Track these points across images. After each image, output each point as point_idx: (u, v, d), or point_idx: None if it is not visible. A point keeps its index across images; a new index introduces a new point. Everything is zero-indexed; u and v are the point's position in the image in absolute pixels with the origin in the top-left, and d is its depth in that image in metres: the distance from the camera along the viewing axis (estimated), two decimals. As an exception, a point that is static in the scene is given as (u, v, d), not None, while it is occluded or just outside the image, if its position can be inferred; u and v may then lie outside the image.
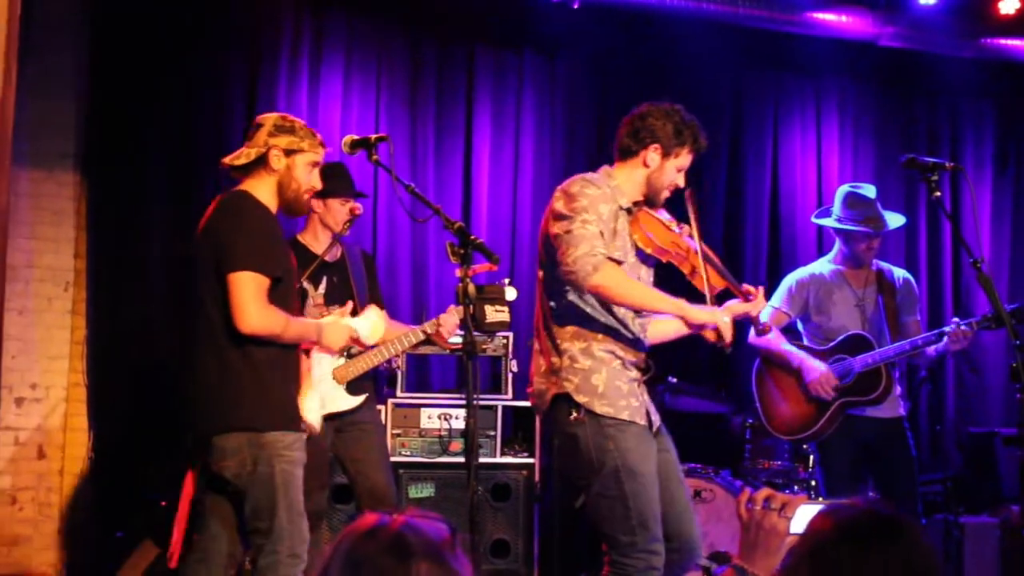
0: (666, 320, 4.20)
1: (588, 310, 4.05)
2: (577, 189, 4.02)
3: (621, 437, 3.95)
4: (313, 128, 4.20)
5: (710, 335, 3.98)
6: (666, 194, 4.21)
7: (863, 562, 1.90)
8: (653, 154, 4.12)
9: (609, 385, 3.99)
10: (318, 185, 4.18)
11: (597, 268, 3.85)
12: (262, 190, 4.07)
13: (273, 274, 3.94)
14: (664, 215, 4.24)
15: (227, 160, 4.11)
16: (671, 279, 4.27)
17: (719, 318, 3.94)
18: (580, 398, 3.96)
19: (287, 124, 4.09)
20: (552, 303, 4.08)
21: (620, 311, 4.08)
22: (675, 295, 4.05)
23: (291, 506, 3.95)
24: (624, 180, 4.17)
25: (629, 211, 4.14)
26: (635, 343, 4.13)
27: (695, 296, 4.08)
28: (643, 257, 4.19)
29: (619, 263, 4.00)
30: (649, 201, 4.20)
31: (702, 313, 3.95)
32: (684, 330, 4.15)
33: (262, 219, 4.00)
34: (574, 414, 3.97)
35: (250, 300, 3.86)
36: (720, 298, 4.17)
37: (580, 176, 4.12)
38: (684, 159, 4.17)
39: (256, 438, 3.92)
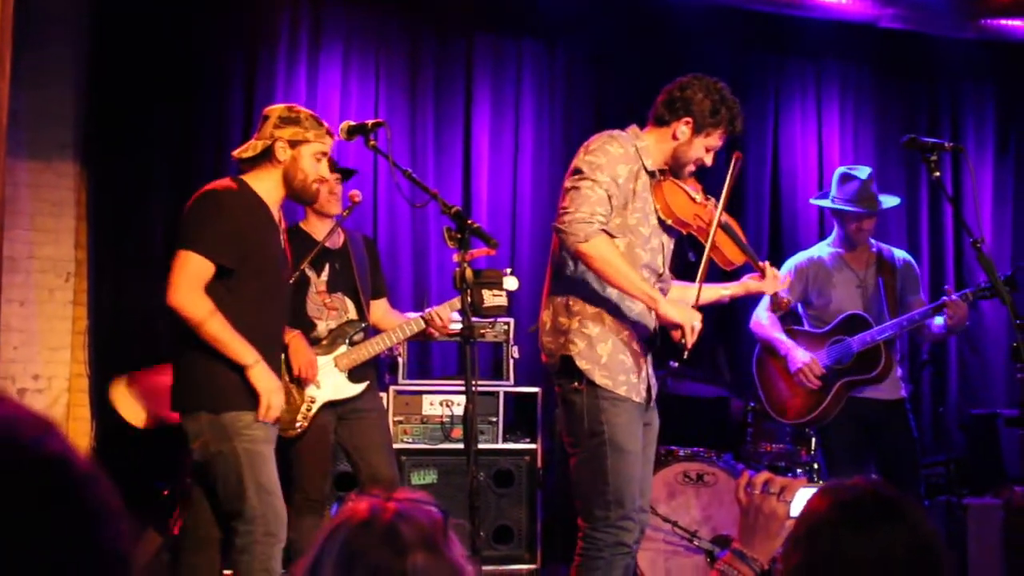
0: (694, 289, 4.14)
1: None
2: (598, 145, 3.99)
3: (613, 411, 3.98)
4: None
5: (676, 334, 3.95)
6: (691, 169, 4.18)
7: (862, 542, 1.89)
8: (684, 127, 4.08)
9: (613, 357, 3.99)
10: (327, 175, 4.20)
11: (588, 238, 3.85)
12: (264, 181, 4.09)
13: (219, 261, 3.92)
14: (691, 186, 4.21)
15: (236, 152, 4.15)
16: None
17: (689, 321, 3.89)
18: (582, 364, 3.97)
19: (292, 115, 4.10)
20: (571, 261, 4.04)
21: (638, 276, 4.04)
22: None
23: (260, 485, 3.94)
24: (652, 144, 4.13)
25: (653, 175, 4.11)
26: (647, 313, 4.09)
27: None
28: (664, 226, 4.16)
29: (613, 236, 3.96)
30: (672, 172, 4.18)
31: (676, 313, 3.92)
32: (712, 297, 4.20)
33: (230, 207, 4.00)
34: (575, 383, 3.99)
35: (182, 278, 3.88)
36: (739, 272, 4.23)
37: (607, 132, 4.08)
38: (715, 139, 4.13)
39: (215, 419, 3.94)
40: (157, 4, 6.45)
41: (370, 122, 3.97)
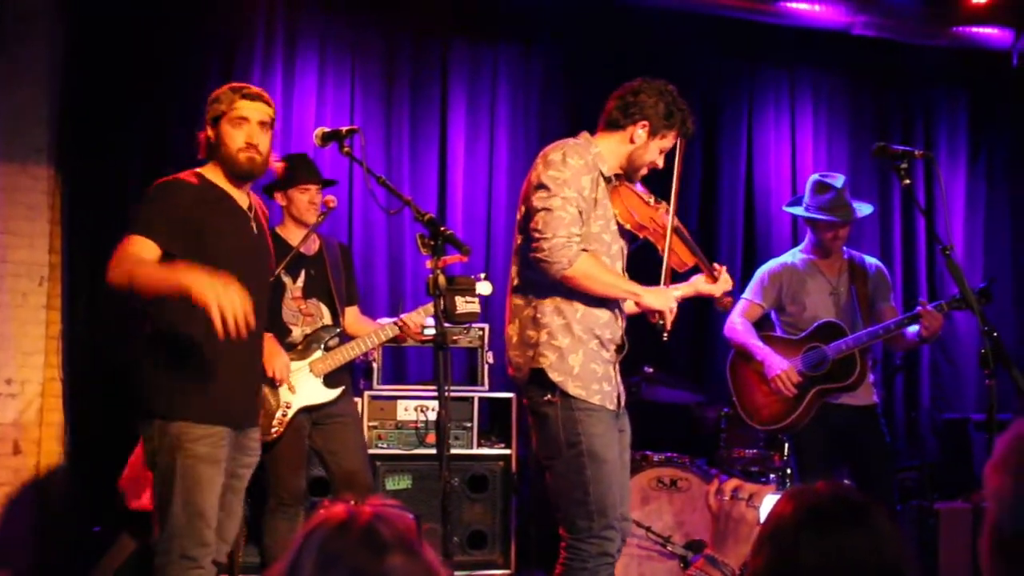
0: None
1: (570, 287, 4.01)
2: (559, 157, 3.97)
3: (589, 422, 3.96)
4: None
5: (654, 318, 4.05)
6: (644, 172, 4.21)
7: (825, 546, 1.91)
8: (640, 131, 4.10)
9: (584, 367, 3.98)
10: (255, 139, 3.96)
11: (572, 262, 3.85)
12: (213, 169, 4.02)
13: (162, 244, 3.78)
14: (641, 189, 4.24)
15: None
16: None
17: (667, 305, 4.00)
18: (555, 376, 3.95)
19: (212, 96, 4.03)
20: (532, 274, 4.02)
21: None
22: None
23: (188, 503, 3.76)
24: (606, 150, 4.13)
25: (609, 180, 4.12)
26: (614, 320, 4.12)
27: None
28: (622, 231, 4.18)
29: (586, 251, 3.97)
30: (626, 175, 4.20)
31: (654, 299, 4.00)
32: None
33: (177, 194, 3.89)
34: (548, 395, 3.97)
35: (116, 257, 3.74)
36: (688, 274, 4.28)
37: (562, 143, 4.07)
38: (669, 141, 4.16)
39: (164, 426, 3.80)
40: (132, 8, 6.43)
41: (344, 129, 3.93)
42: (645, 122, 4.09)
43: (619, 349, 4.17)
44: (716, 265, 4.31)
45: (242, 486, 4.08)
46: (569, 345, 3.98)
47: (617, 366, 4.17)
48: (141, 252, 3.76)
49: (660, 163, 4.19)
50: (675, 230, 4.17)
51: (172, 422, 3.79)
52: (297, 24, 6.90)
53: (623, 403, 4.18)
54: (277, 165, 4.13)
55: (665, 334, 4.02)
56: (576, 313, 4.00)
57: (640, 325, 4.23)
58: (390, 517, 1.69)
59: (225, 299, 3.50)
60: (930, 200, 7.96)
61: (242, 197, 4.05)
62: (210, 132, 3.99)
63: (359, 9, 7.08)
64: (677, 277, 4.40)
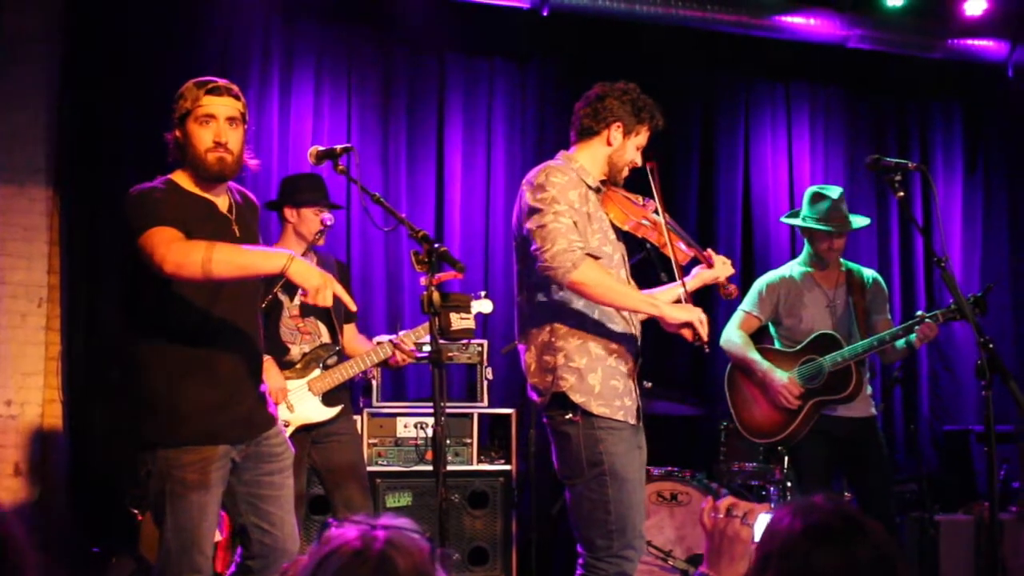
0: (677, 288, 4.20)
1: (581, 304, 4.00)
2: (543, 179, 3.99)
3: (611, 440, 3.95)
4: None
5: (687, 334, 3.93)
6: (626, 172, 4.23)
7: (830, 557, 1.94)
8: (616, 132, 4.15)
9: (605, 385, 3.97)
10: (223, 137, 3.72)
11: (576, 265, 3.84)
12: (183, 174, 3.77)
13: (180, 228, 3.54)
14: (626, 192, 4.27)
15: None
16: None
17: (695, 316, 3.91)
18: (577, 398, 3.94)
19: (178, 92, 3.78)
20: (543, 298, 4.04)
21: None
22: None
23: (179, 530, 3.65)
24: (586, 160, 4.17)
25: (598, 190, 4.15)
26: (628, 333, 4.11)
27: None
28: (620, 236, 4.20)
29: (596, 258, 3.98)
30: (611, 180, 4.22)
31: (680, 312, 3.94)
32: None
33: (157, 197, 3.65)
34: (570, 415, 3.95)
35: (160, 247, 3.48)
36: (688, 268, 4.25)
37: (543, 165, 4.09)
38: (643, 137, 4.20)
39: (154, 452, 3.67)
40: (128, 27, 6.45)
41: (338, 147, 3.84)
42: (618, 123, 4.14)
43: (636, 361, 4.15)
44: (709, 251, 4.30)
45: (281, 494, 3.89)
46: (587, 365, 3.97)
47: (636, 376, 4.15)
48: (174, 235, 3.51)
49: (638, 160, 4.22)
50: (668, 225, 4.17)
51: (161, 449, 3.65)
52: (294, 40, 6.93)
53: (641, 416, 4.16)
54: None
55: (705, 346, 3.94)
56: (591, 330, 4.00)
57: (647, 337, 4.21)
58: (404, 545, 1.68)
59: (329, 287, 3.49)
60: (927, 211, 7.99)
61: (220, 199, 3.82)
62: (177, 132, 3.75)
63: (355, 25, 7.10)
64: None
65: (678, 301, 4.12)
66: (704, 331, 3.92)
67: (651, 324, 4.12)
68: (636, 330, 4.15)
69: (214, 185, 3.78)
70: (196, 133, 3.70)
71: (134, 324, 3.71)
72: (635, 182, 4.32)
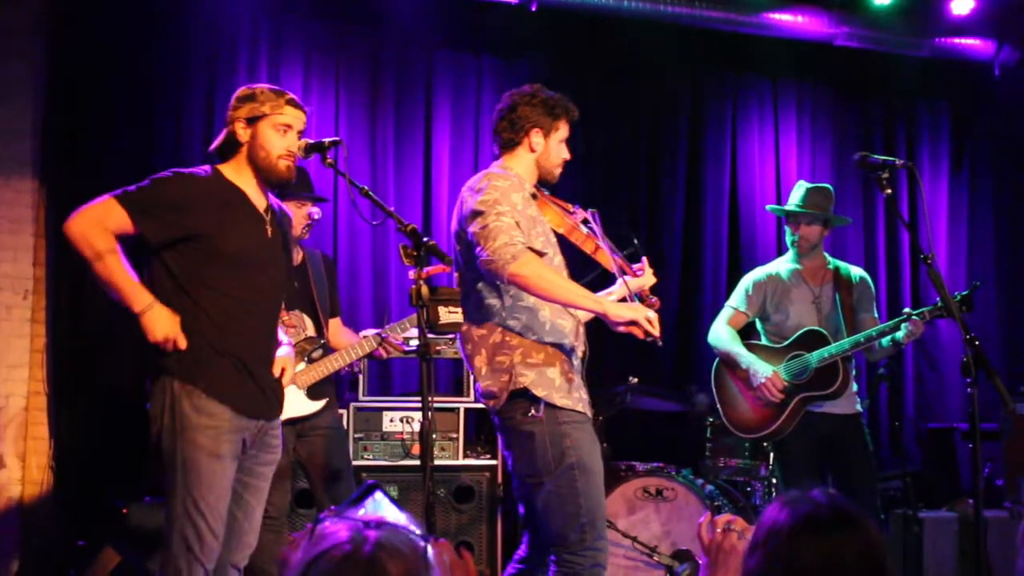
0: (618, 287, 4.25)
1: (530, 302, 4.02)
2: (485, 184, 4.04)
3: (576, 434, 3.98)
4: None
5: (637, 331, 3.80)
6: (559, 170, 4.30)
7: (817, 549, 1.95)
8: (536, 137, 4.22)
9: (563, 378, 4.01)
10: (294, 147, 3.91)
11: (516, 257, 3.85)
12: (237, 168, 3.92)
13: (139, 222, 3.73)
14: (556, 200, 4.33)
15: (212, 147, 4.00)
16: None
17: (641, 314, 3.80)
18: (539, 392, 3.95)
19: (248, 92, 3.93)
20: (492, 300, 4.05)
21: None
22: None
23: (189, 495, 3.72)
24: (519, 169, 4.23)
25: (534, 196, 4.21)
26: (576, 328, 4.17)
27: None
28: (559, 239, 4.25)
29: (541, 254, 4.01)
30: (546, 183, 4.30)
31: (625, 311, 3.84)
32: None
33: (184, 184, 3.82)
34: (532, 412, 3.96)
35: (89, 210, 3.73)
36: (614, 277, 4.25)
37: (483, 172, 4.16)
38: (563, 131, 4.28)
39: (171, 384, 3.77)
40: (115, 20, 6.43)
41: (327, 140, 3.90)
42: (535, 127, 4.22)
43: (583, 361, 4.19)
44: (638, 265, 4.32)
45: (262, 486, 3.99)
46: (544, 360, 4.00)
47: (584, 375, 4.19)
48: (114, 219, 3.72)
49: (567, 154, 4.29)
50: (598, 234, 4.23)
51: (179, 381, 3.73)
52: (281, 33, 6.91)
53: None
54: None
55: (659, 341, 3.84)
56: (544, 326, 4.04)
57: (621, 333, 4.21)
58: (395, 547, 1.65)
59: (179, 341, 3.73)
60: (913, 209, 8.01)
61: (259, 199, 3.96)
62: (242, 129, 3.89)
63: (343, 19, 7.09)
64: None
65: (623, 300, 4.08)
66: (654, 328, 3.80)
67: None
68: (581, 328, 4.21)
69: (266, 187, 3.97)
70: (272, 138, 3.88)
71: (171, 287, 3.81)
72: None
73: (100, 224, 3.70)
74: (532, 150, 4.22)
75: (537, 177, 4.26)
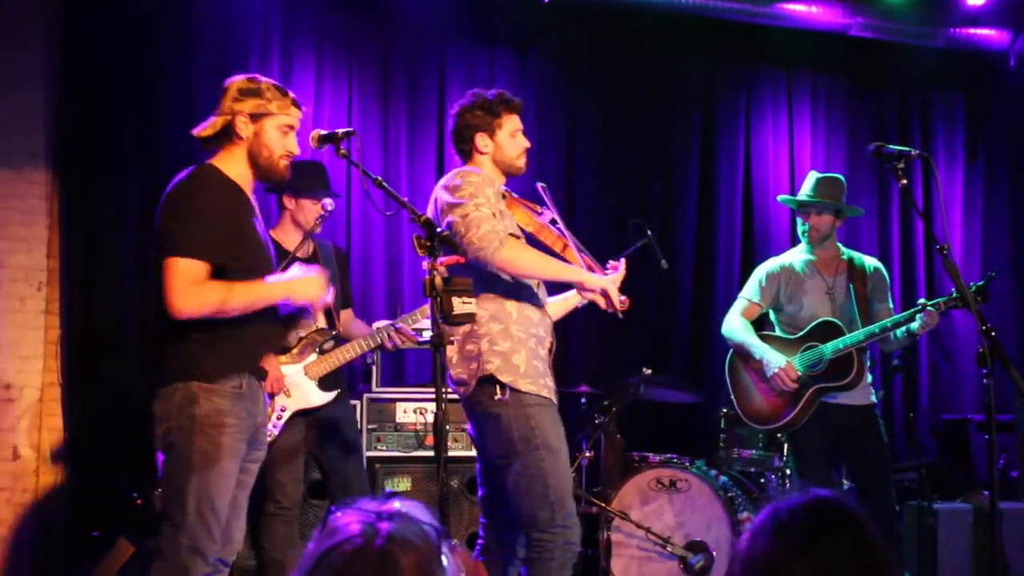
0: (554, 302, 4.49)
1: (500, 292, 4.18)
2: (460, 180, 4.17)
3: (540, 417, 4.12)
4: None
5: (601, 301, 4.17)
6: (522, 161, 4.41)
7: (806, 559, 1.86)
8: (482, 140, 4.34)
9: (528, 364, 4.15)
10: (295, 150, 3.89)
11: (503, 243, 4.03)
12: (232, 162, 3.81)
13: (210, 259, 3.64)
14: (523, 200, 4.45)
15: (196, 131, 3.85)
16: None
17: (608, 282, 4.17)
18: (504, 377, 4.10)
19: (252, 86, 3.83)
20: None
21: (527, 291, 4.24)
22: None
23: (204, 496, 3.69)
24: (485, 169, 4.34)
25: (504, 196, 4.32)
26: (543, 319, 4.30)
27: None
28: (527, 237, 4.34)
29: (518, 239, 4.17)
30: (511, 174, 4.41)
31: (597, 280, 4.17)
32: (571, 305, 4.52)
33: (205, 201, 3.70)
34: (498, 395, 4.09)
35: (177, 284, 3.58)
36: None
37: (454, 171, 4.28)
38: (512, 123, 4.38)
39: (185, 387, 3.73)
40: (127, 11, 6.43)
41: (340, 131, 3.89)
42: (478, 132, 4.33)
43: (549, 350, 4.32)
44: (612, 263, 4.42)
45: (251, 483, 3.95)
46: (510, 347, 4.14)
47: (552, 362, 4.32)
48: (195, 274, 3.62)
49: (525, 142, 4.41)
50: (565, 233, 4.36)
51: (202, 382, 3.67)
52: (294, 25, 6.90)
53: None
54: None
55: (620, 313, 4.19)
56: (512, 315, 4.18)
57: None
58: (408, 540, 1.63)
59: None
60: (928, 200, 7.98)
61: (249, 191, 3.90)
62: (244, 124, 3.79)
63: (355, 11, 7.08)
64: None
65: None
66: (616, 299, 4.15)
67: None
68: (549, 319, 4.36)
69: (260, 182, 3.98)
70: (275, 137, 3.84)
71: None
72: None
73: (192, 287, 3.61)
74: (483, 152, 4.35)
75: (504, 175, 4.39)
